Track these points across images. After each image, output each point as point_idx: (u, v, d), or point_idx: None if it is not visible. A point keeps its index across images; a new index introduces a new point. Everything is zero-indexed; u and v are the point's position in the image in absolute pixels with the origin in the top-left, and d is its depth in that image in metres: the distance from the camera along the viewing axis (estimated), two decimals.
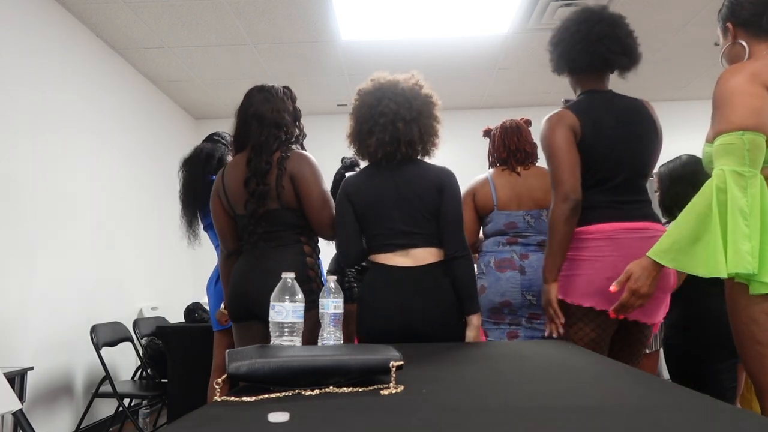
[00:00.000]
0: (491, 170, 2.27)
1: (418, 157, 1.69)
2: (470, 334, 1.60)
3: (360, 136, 1.67)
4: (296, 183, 1.70)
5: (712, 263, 1.22)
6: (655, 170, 2.26)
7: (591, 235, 1.59)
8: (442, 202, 1.60)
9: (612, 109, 1.65)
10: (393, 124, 1.60)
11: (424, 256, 1.59)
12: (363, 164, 1.78)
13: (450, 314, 1.59)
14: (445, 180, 1.62)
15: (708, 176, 1.59)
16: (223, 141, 2.50)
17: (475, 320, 1.59)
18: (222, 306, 2.17)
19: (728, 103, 1.29)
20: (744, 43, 1.42)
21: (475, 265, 2.15)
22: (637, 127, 1.64)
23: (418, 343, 1.49)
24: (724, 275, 1.21)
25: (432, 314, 1.55)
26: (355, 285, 3.02)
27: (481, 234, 2.29)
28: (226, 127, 2.58)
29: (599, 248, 1.57)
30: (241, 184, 1.73)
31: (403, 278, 1.58)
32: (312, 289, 1.65)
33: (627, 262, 1.45)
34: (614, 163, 1.61)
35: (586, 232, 1.59)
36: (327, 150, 3.17)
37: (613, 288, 1.37)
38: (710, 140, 1.41)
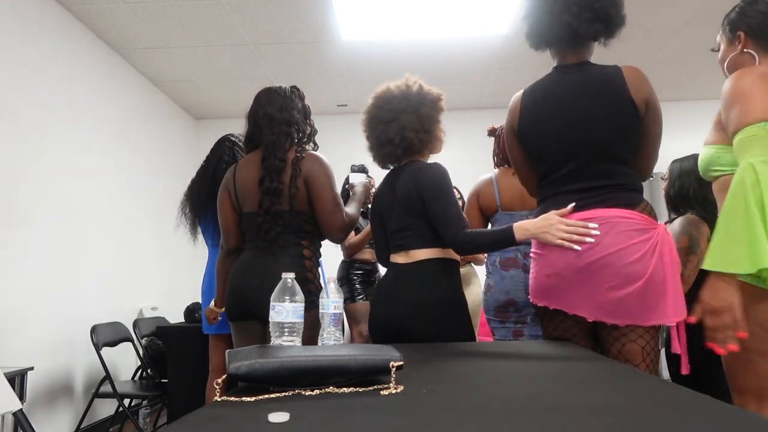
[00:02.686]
0: (496, 170, 2.27)
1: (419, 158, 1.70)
2: (533, 223, 1.44)
3: (374, 150, 1.72)
4: (309, 185, 1.71)
5: (757, 256, 1.14)
6: (668, 165, 2.26)
7: None
8: (423, 197, 1.57)
9: (566, 88, 1.47)
10: (402, 135, 1.63)
11: (418, 254, 1.61)
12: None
13: (432, 308, 1.55)
14: (420, 177, 1.58)
15: (704, 180, 1.57)
16: (234, 146, 2.44)
17: (521, 228, 1.43)
18: (212, 303, 2.12)
19: (745, 99, 1.26)
20: (754, 54, 1.39)
21: (482, 265, 2.16)
22: (595, 104, 1.42)
23: (418, 344, 1.49)
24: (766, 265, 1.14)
25: (411, 307, 1.55)
26: (359, 286, 3.30)
27: None
28: (226, 126, 2.58)
29: (540, 245, 1.50)
30: (254, 182, 1.74)
31: (396, 274, 1.63)
32: (310, 290, 1.67)
33: (563, 258, 1.39)
34: (559, 151, 1.46)
35: None
36: (327, 150, 3.17)
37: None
38: (710, 142, 1.40)
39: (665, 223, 2.19)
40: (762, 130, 1.21)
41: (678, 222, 2.04)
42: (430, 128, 1.66)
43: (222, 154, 2.39)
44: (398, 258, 1.64)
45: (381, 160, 1.73)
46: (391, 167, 1.76)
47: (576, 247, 1.36)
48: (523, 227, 1.43)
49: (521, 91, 1.57)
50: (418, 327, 1.53)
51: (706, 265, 1.21)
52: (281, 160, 1.71)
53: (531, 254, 1.57)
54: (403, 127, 1.62)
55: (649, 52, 4.13)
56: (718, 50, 1.53)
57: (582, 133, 1.43)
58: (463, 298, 1.64)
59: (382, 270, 3.64)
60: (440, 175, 1.57)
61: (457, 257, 1.66)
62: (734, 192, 1.19)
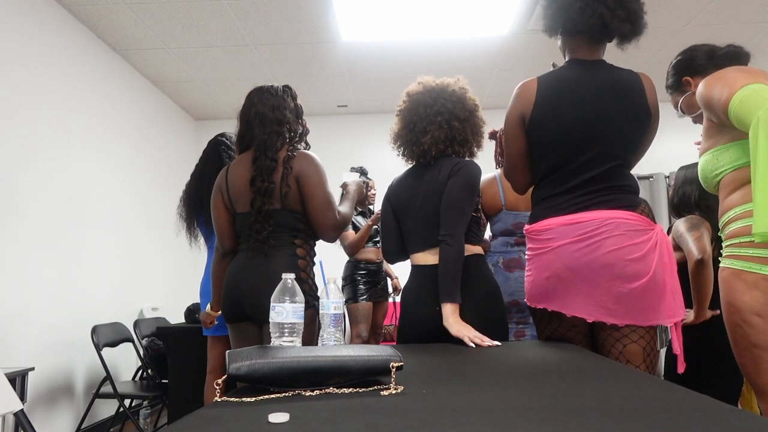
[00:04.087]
0: (498, 170, 2.25)
1: (462, 156, 1.69)
2: (456, 322, 1.46)
3: (412, 135, 1.67)
4: (301, 183, 1.70)
5: None
6: (671, 171, 2.26)
7: (532, 234, 1.51)
8: (446, 187, 1.57)
9: (587, 84, 1.43)
10: (448, 123, 1.62)
11: None
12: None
13: (490, 302, 1.57)
14: (454, 169, 1.57)
15: (706, 192, 1.57)
16: (229, 146, 2.44)
17: (446, 310, 1.47)
18: (208, 307, 2.10)
19: (724, 77, 1.28)
20: None
21: None
22: (618, 106, 1.41)
23: (417, 344, 1.49)
24: None
25: (475, 304, 1.53)
26: (362, 286, 3.32)
27: (488, 234, 2.27)
28: (226, 127, 2.58)
29: (534, 245, 1.49)
30: (246, 182, 1.73)
31: (432, 276, 1.55)
32: (304, 290, 1.66)
33: (561, 258, 1.39)
34: (571, 146, 1.42)
35: (529, 231, 1.52)
36: (327, 151, 3.18)
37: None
38: (704, 151, 1.40)
39: (667, 231, 2.19)
40: (749, 89, 1.20)
41: (680, 220, 2.05)
42: (484, 134, 1.71)
43: (216, 155, 2.39)
44: (431, 257, 1.59)
45: (438, 152, 1.64)
46: (413, 163, 1.72)
47: (471, 344, 1.39)
48: (448, 316, 1.46)
49: (533, 79, 1.50)
50: (482, 323, 1.51)
51: (758, 228, 1.13)
52: (272, 159, 1.70)
53: (526, 254, 1.55)
54: (475, 126, 1.67)
55: (649, 52, 4.12)
56: (684, 111, 1.61)
57: (598, 133, 1.41)
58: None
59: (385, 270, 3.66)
60: (477, 174, 1.61)
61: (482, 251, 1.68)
62: (756, 145, 1.13)
